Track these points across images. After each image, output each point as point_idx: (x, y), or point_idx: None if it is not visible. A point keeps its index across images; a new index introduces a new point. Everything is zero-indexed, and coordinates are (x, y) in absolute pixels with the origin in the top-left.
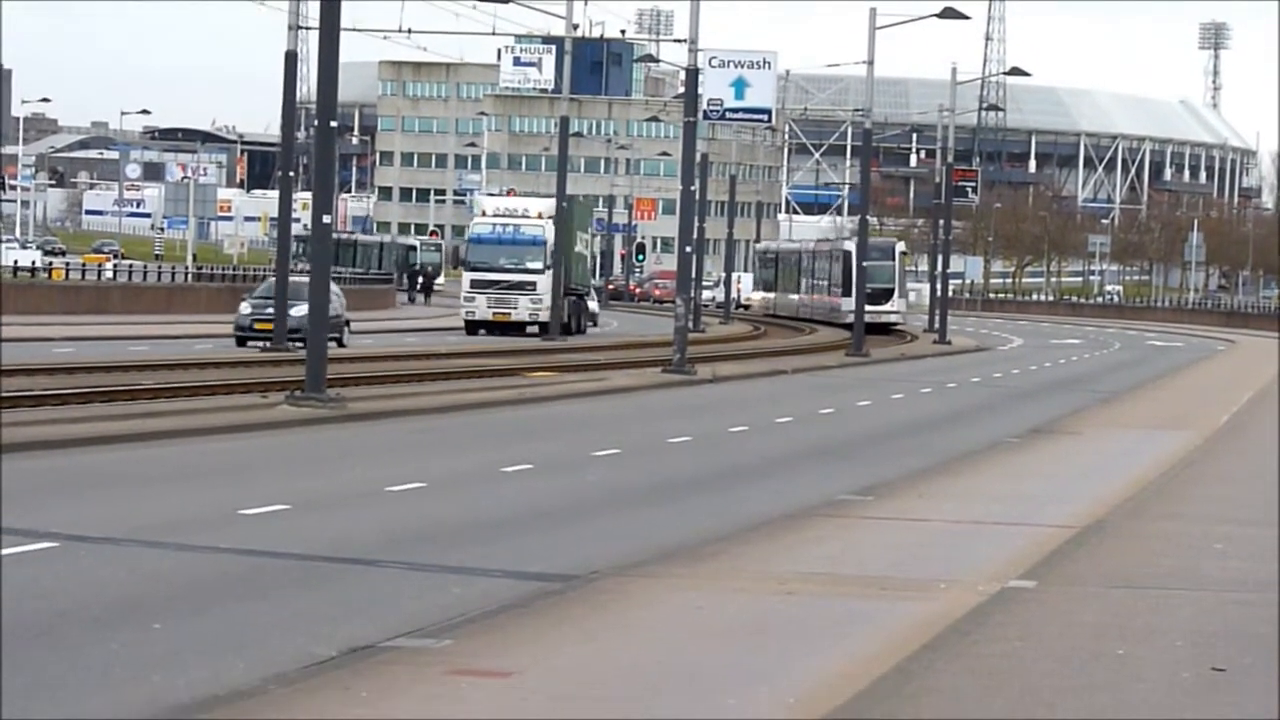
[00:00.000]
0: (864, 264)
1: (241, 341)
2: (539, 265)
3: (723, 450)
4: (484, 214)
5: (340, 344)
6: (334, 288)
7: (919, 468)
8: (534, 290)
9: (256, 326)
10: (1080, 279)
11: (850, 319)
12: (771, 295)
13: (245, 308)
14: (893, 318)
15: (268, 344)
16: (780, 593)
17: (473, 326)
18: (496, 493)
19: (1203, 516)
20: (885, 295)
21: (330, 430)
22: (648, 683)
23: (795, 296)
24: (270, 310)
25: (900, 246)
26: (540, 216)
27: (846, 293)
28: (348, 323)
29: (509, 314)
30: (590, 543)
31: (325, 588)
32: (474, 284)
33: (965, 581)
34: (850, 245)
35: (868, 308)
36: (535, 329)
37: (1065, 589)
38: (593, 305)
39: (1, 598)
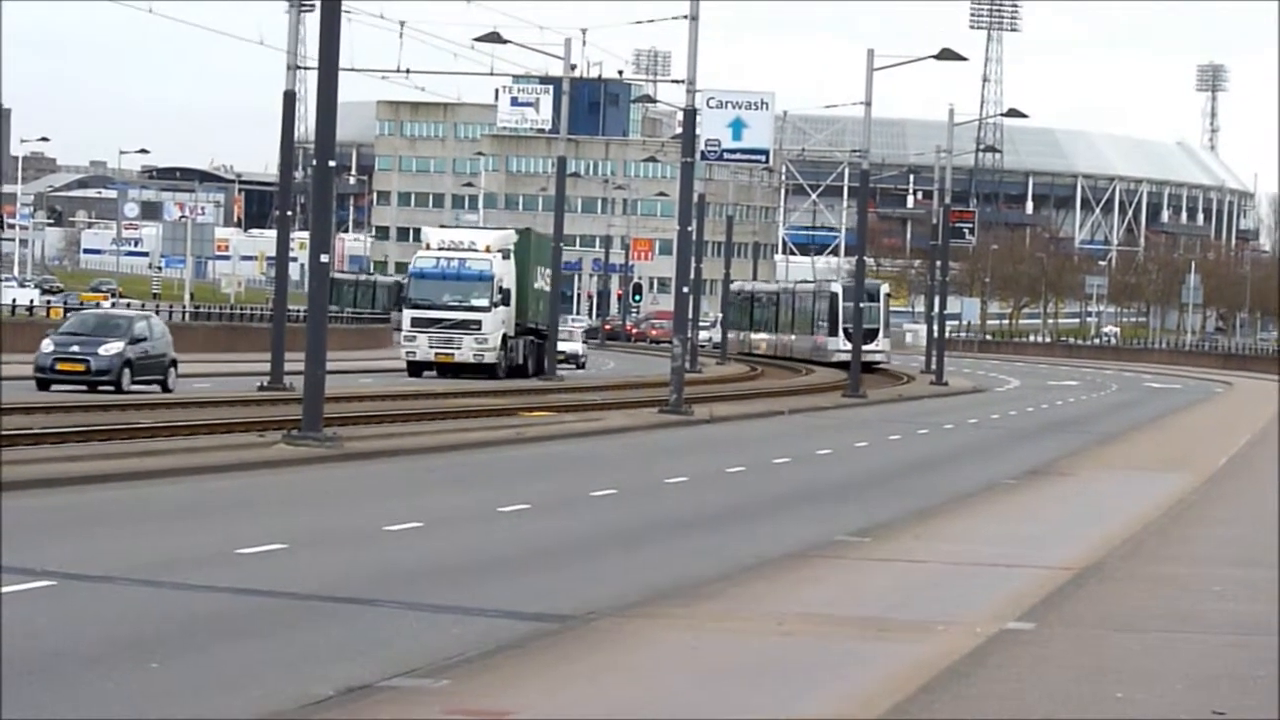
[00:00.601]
0: (855, 305)
1: (44, 385)
2: (485, 302)
3: (720, 491)
4: (428, 247)
5: (164, 387)
6: (156, 322)
7: (916, 509)
8: (479, 329)
9: (60, 367)
10: (1077, 320)
11: (837, 358)
12: (750, 335)
13: (47, 345)
14: (877, 357)
15: (92, 388)
16: (778, 633)
17: (415, 368)
18: (494, 532)
19: (1202, 558)
20: (871, 335)
21: (327, 469)
22: None
23: (773, 336)
24: (75, 349)
25: (885, 288)
26: (488, 250)
27: (833, 332)
28: (174, 363)
29: (452, 355)
30: (588, 583)
31: (323, 627)
32: (415, 322)
33: (963, 623)
34: (836, 286)
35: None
36: (488, 371)
37: (1064, 631)
38: (576, 346)
39: (1, 636)
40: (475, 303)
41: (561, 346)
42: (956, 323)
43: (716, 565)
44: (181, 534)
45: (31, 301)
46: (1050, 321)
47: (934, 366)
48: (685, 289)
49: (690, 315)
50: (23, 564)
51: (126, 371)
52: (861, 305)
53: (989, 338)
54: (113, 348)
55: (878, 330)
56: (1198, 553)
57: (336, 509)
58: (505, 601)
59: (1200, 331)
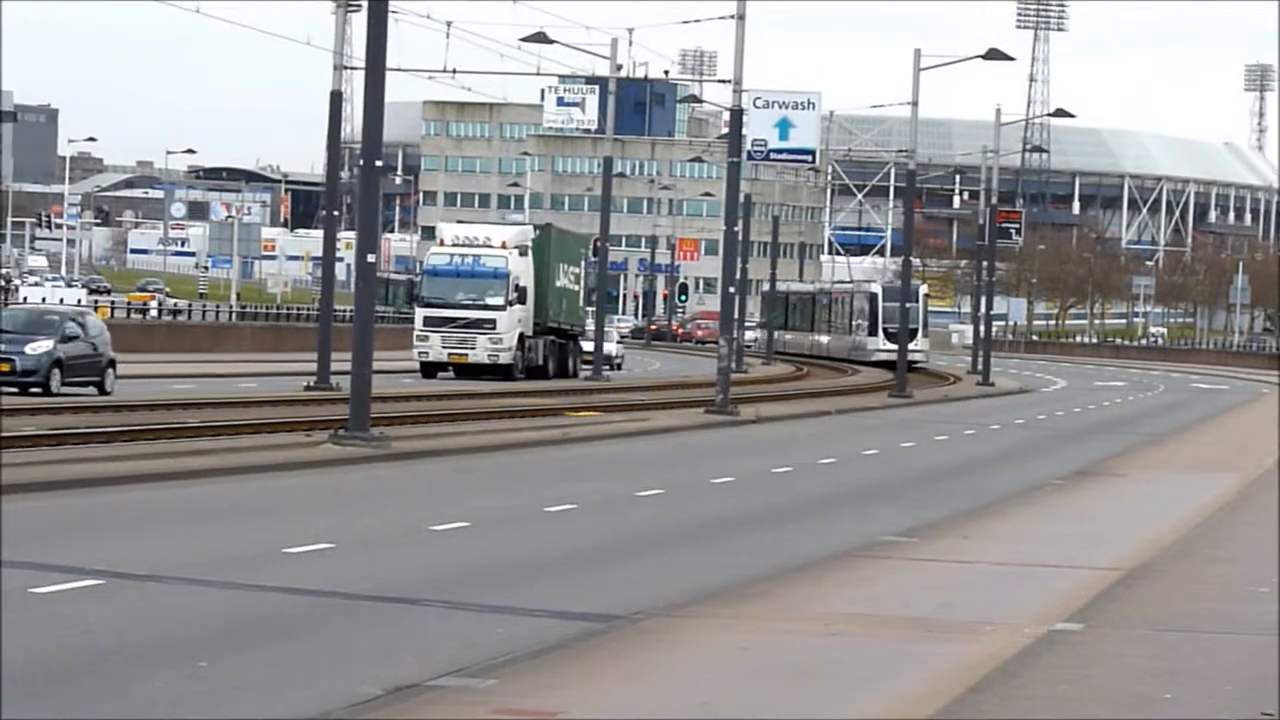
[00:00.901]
0: (901, 305)
1: None
2: (500, 301)
3: (766, 491)
4: (442, 243)
5: (101, 390)
6: (93, 320)
7: (963, 509)
8: (494, 329)
9: None
10: (1124, 321)
11: (877, 357)
12: (784, 335)
13: None
14: (917, 356)
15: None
16: (825, 634)
17: (429, 369)
18: (540, 532)
19: (1250, 559)
20: (910, 335)
21: (374, 469)
22: None
23: (809, 336)
24: (1, 347)
25: (924, 289)
26: (504, 246)
27: (872, 332)
28: (112, 363)
29: (466, 355)
30: (634, 583)
31: (370, 626)
32: (428, 321)
33: (1011, 624)
34: (876, 287)
35: (892, 347)
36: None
37: (1112, 632)
38: (610, 347)
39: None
40: (490, 301)
41: (592, 346)
42: (1003, 323)
43: (763, 565)
44: (229, 533)
45: (79, 302)
46: (1097, 322)
47: (980, 367)
48: (731, 289)
49: (736, 315)
50: (70, 563)
51: (56, 372)
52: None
53: (1035, 338)
54: (40, 346)
55: (917, 330)
56: (1246, 554)
57: (383, 509)
58: (552, 601)
59: (1248, 332)
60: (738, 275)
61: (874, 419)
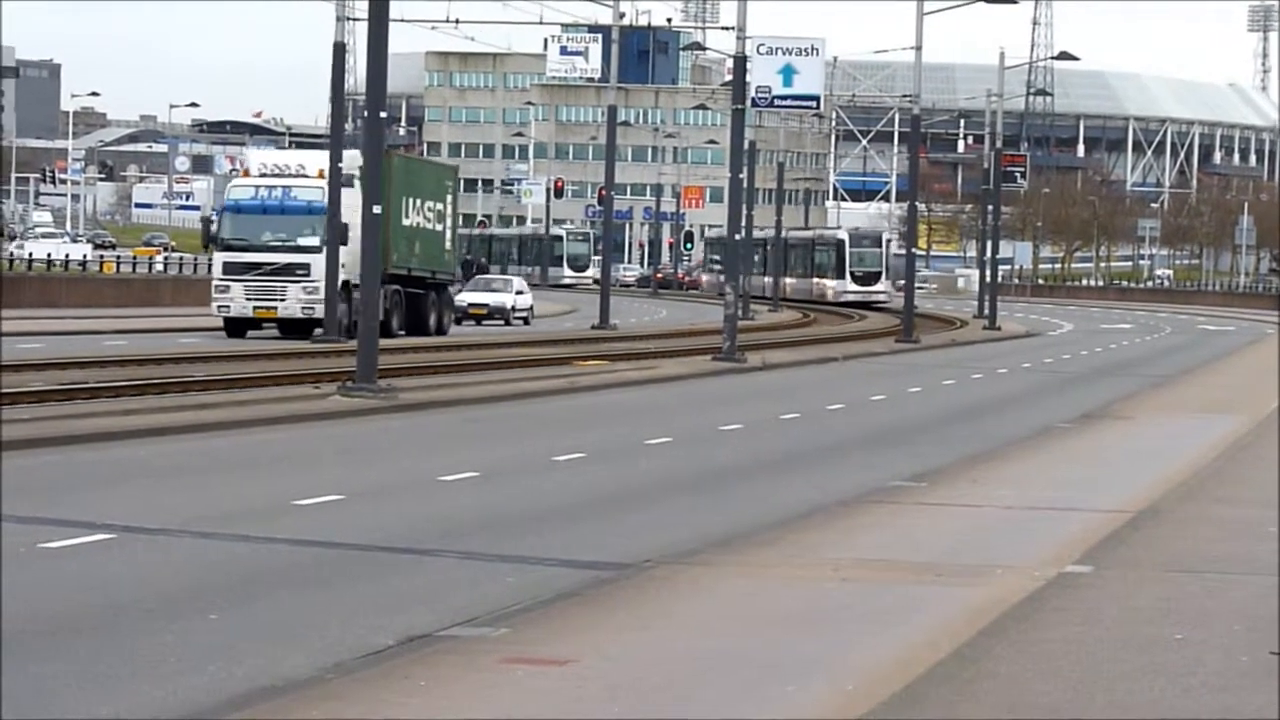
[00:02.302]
0: (908, 250)
1: None
2: (315, 241)
3: (775, 437)
4: (246, 174)
5: None
6: None
7: (972, 453)
8: (307, 275)
9: None
10: (1130, 263)
11: (846, 299)
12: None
13: None
14: (880, 298)
15: None
16: (835, 580)
17: (235, 325)
18: (549, 482)
19: (1258, 500)
20: (874, 278)
21: (382, 420)
22: (703, 671)
23: (780, 280)
24: None
25: (887, 235)
26: (321, 175)
27: (840, 276)
28: None
29: (275, 308)
30: (644, 531)
31: (380, 577)
32: (228, 268)
33: (1021, 567)
34: (843, 234)
35: (858, 288)
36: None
37: (1121, 574)
38: (506, 299)
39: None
40: (302, 242)
41: (484, 299)
42: (1009, 267)
43: (772, 512)
44: (238, 486)
45: (85, 257)
46: (1103, 265)
47: (987, 311)
48: (737, 236)
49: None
50: (81, 517)
51: None
52: (867, 250)
53: (1041, 282)
54: None
55: (879, 273)
56: (1253, 495)
57: (392, 460)
58: (563, 550)
59: (1254, 273)
60: (743, 223)
61: (881, 364)
